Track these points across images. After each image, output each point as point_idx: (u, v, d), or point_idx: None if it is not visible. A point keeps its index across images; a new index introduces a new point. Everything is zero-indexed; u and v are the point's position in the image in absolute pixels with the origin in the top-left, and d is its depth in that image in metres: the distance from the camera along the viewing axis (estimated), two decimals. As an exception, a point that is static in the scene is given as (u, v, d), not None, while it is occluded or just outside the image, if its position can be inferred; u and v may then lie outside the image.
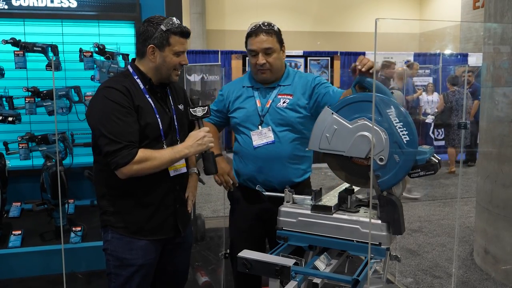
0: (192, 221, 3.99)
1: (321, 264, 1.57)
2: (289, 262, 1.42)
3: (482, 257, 3.61)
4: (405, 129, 1.48)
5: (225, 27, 14.35)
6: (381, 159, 1.50)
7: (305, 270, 1.50)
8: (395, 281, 3.30)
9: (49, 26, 3.76)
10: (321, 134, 1.59)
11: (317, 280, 1.48)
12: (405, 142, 1.48)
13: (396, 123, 1.49)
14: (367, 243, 1.48)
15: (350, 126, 1.53)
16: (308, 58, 8.76)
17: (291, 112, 2.09)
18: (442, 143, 8.27)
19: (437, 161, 1.52)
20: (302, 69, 8.78)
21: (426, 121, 8.96)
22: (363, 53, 10.08)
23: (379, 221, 1.53)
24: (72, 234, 3.19)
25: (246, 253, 1.47)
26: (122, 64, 3.69)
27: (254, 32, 2.06)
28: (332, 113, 1.57)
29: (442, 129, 8.30)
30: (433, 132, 9.01)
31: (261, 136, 2.09)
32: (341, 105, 1.59)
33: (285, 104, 2.09)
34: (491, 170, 3.51)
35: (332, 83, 8.67)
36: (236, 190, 2.21)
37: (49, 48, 3.48)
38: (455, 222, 4.49)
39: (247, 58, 2.14)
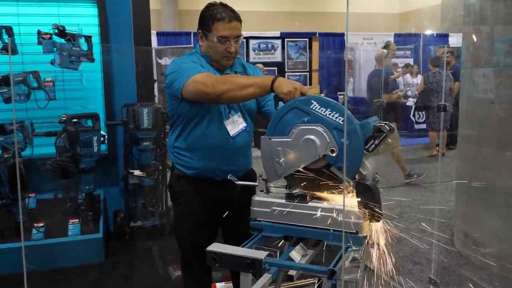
0: (164, 212, 3.99)
1: (296, 255, 1.56)
2: (261, 254, 1.41)
3: (462, 241, 3.70)
4: (334, 112, 1.54)
5: (198, 7, 14.08)
6: (332, 151, 1.54)
7: (279, 262, 1.49)
8: (375, 269, 3.35)
9: (3, 6, 3.62)
10: (272, 163, 1.63)
11: (292, 272, 1.48)
12: (342, 123, 1.53)
13: (324, 112, 1.55)
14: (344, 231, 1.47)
15: (290, 139, 1.59)
16: (286, 40, 8.73)
17: (252, 101, 2.12)
18: (423, 126, 8.40)
19: (384, 123, 1.56)
20: (279, 51, 8.75)
21: (407, 104, 9.09)
22: (342, 34, 10.11)
23: (356, 209, 1.52)
24: (34, 231, 3.13)
25: (215, 247, 1.44)
26: (84, 47, 3.60)
27: (226, 17, 2.01)
28: (270, 138, 1.63)
29: (423, 112, 8.42)
30: (413, 115, 9.14)
31: (234, 124, 2.08)
32: (272, 127, 1.65)
33: None
34: (471, 153, 3.58)
35: (310, 65, 8.73)
36: (183, 181, 2.14)
37: (3, 30, 3.36)
38: (435, 206, 4.58)
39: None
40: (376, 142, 1.53)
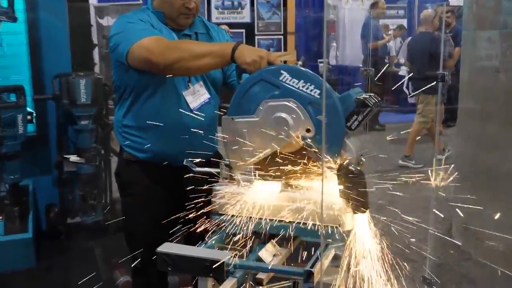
0: (109, 205, 3.96)
1: (267, 254, 1.57)
2: (223, 255, 1.40)
3: (461, 233, 3.81)
4: (309, 83, 1.54)
5: (147, -45, 13.83)
6: (307, 131, 1.54)
7: (246, 264, 1.50)
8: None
9: None
10: (237, 148, 1.61)
11: (262, 275, 1.48)
12: (318, 96, 1.52)
13: (296, 84, 1.55)
14: (323, 225, 1.49)
15: (257, 119, 1.59)
16: (255, -4, 8.67)
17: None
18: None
19: (368, 95, 1.57)
20: (247, 9, 8.68)
21: (400, 73, 9.20)
22: (324, -11, 10.10)
23: (337, 198, 1.53)
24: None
25: (167, 247, 1.43)
26: (4, 3, 3.53)
27: None
28: (233, 119, 1.62)
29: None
30: (407, 87, 9.25)
31: (196, 96, 2.07)
32: (235, 104, 1.65)
33: None
34: (473, 131, 3.66)
35: (285, 26, 8.70)
36: (135, 168, 2.14)
37: None
38: (431, 194, 4.70)
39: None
40: (360, 118, 1.54)
